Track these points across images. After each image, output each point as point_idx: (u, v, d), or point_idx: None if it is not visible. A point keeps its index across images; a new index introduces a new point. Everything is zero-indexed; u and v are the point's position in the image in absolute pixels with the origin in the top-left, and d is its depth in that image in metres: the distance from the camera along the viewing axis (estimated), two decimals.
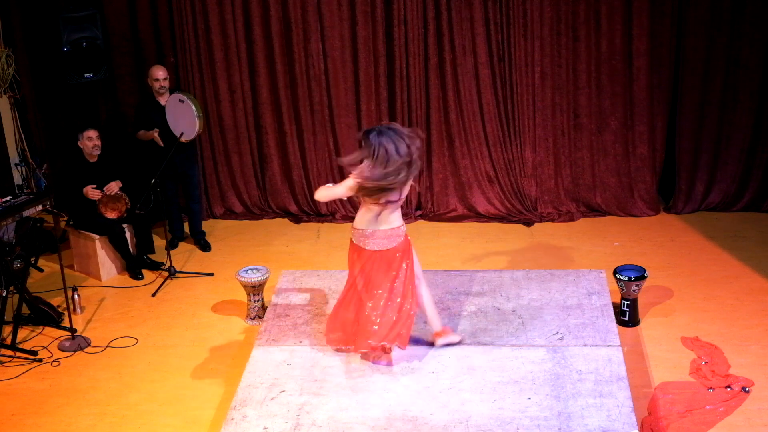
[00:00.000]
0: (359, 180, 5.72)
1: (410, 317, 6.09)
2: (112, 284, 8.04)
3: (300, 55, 8.74)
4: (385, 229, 5.94)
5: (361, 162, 5.77)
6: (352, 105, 8.85)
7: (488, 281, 7.25)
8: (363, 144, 5.73)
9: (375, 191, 5.76)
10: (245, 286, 7.13)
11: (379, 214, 5.90)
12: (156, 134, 8.15)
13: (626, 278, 6.78)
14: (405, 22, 8.54)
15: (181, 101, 8.04)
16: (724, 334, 6.70)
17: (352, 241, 6.08)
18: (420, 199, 9.06)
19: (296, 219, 9.19)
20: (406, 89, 8.72)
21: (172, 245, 8.44)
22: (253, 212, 9.29)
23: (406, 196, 6.14)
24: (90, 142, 7.94)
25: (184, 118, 8.07)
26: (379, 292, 6.02)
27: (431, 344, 6.36)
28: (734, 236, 8.31)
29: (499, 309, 6.83)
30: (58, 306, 7.41)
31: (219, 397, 6.24)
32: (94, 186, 7.96)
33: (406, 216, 8.86)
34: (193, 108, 7.99)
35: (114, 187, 8.03)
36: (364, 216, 5.96)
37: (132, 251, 8.16)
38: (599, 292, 7.00)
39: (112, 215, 8.03)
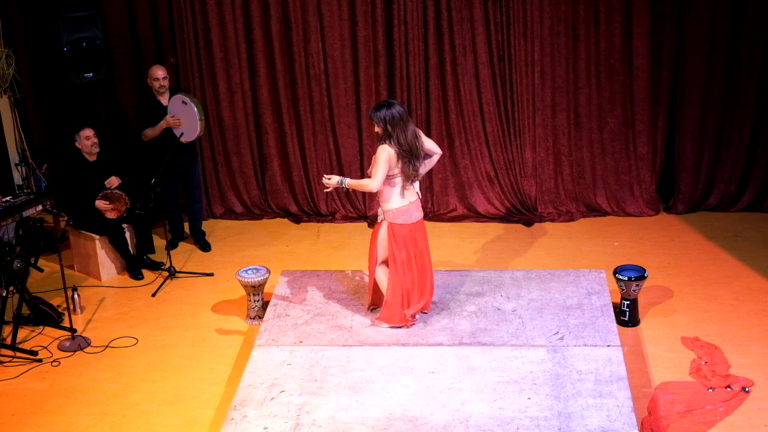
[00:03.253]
0: (396, 148, 6.26)
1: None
2: (112, 284, 8.04)
3: (300, 55, 8.74)
4: (418, 200, 6.59)
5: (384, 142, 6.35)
6: (352, 105, 8.85)
7: (488, 281, 7.26)
8: (377, 123, 6.34)
9: (409, 155, 6.30)
10: (245, 286, 7.13)
11: (404, 188, 6.45)
12: (169, 118, 8.12)
13: (626, 278, 6.78)
14: (405, 22, 8.54)
15: (185, 103, 8.04)
16: (724, 334, 6.70)
17: (398, 225, 6.46)
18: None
19: (296, 219, 9.19)
20: (406, 89, 8.72)
21: (172, 245, 8.44)
22: (253, 212, 9.29)
23: None
24: (88, 141, 7.94)
25: (186, 120, 8.07)
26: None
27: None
28: (734, 236, 8.31)
29: (499, 309, 6.84)
30: (58, 306, 7.41)
31: (219, 397, 6.25)
32: (105, 201, 7.99)
33: None
34: (196, 110, 7.99)
35: (114, 181, 8.03)
36: (395, 195, 6.44)
37: (132, 251, 8.16)
38: (599, 292, 7.00)
39: (112, 215, 8.04)
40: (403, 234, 6.50)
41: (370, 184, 6.41)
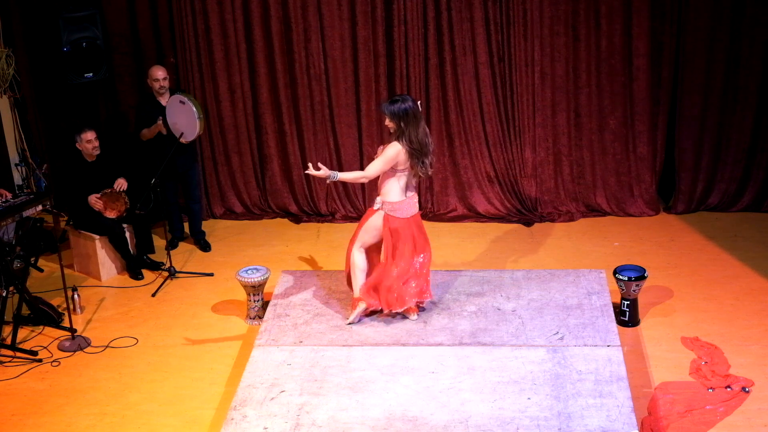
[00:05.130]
0: (407, 146, 6.26)
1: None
2: (112, 284, 8.03)
3: (300, 55, 8.74)
4: (415, 194, 6.61)
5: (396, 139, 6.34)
6: (353, 105, 8.85)
7: (488, 281, 7.26)
8: (390, 118, 6.29)
9: (419, 154, 6.29)
10: (245, 286, 7.13)
11: (407, 184, 6.47)
12: (160, 122, 8.13)
13: (626, 278, 6.78)
14: (405, 22, 8.54)
15: (182, 102, 8.04)
16: (724, 334, 6.70)
17: (393, 217, 6.44)
18: (420, 198, 9.05)
19: (296, 219, 9.19)
20: (406, 89, 8.71)
21: (172, 245, 8.44)
22: (253, 212, 9.29)
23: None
24: (89, 144, 7.94)
25: (184, 119, 8.06)
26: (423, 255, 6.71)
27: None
28: (734, 236, 8.31)
29: (499, 309, 6.84)
30: (58, 306, 7.41)
31: (219, 397, 6.25)
32: (98, 196, 7.97)
33: None
34: (194, 109, 7.99)
35: (123, 183, 8.03)
36: (396, 189, 6.42)
37: (132, 251, 8.16)
38: (599, 292, 7.00)
39: (112, 215, 8.03)
40: (399, 226, 6.48)
41: (361, 175, 6.48)
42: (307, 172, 6.53)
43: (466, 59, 8.60)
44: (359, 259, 6.66)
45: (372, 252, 6.75)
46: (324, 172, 6.41)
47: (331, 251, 8.46)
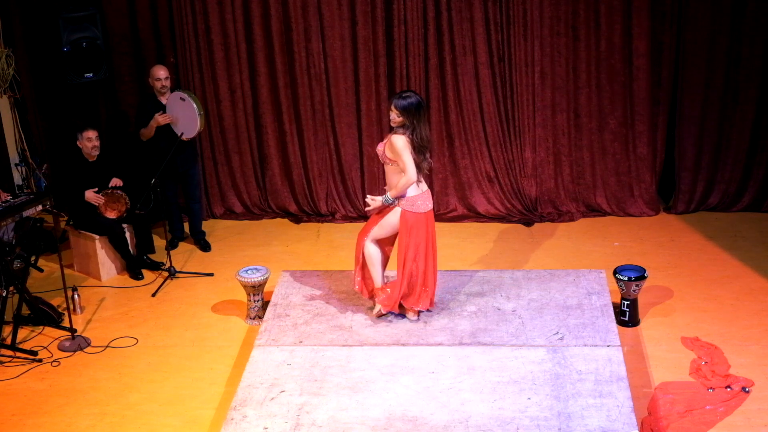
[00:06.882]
0: (416, 141, 6.27)
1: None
2: (112, 284, 8.04)
3: (300, 55, 8.74)
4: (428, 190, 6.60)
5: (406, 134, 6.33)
6: (353, 104, 8.85)
7: (488, 281, 7.26)
8: (401, 114, 6.25)
9: (423, 150, 6.33)
10: (245, 286, 7.13)
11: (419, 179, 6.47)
12: (158, 117, 8.10)
13: (626, 278, 6.78)
14: (405, 22, 8.54)
15: (182, 99, 8.04)
16: (724, 334, 6.70)
17: (411, 213, 6.42)
18: None
19: (296, 219, 9.19)
20: (406, 89, 8.71)
21: (172, 245, 8.44)
22: (253, 212, 9.29)
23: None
24: (89, 142, 7.94)
25: (185, 116, 8.06)
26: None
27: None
28: (734, 236, 8.31)
29: (499, 309, 6.84)
30: (58, 306, 7.41)
31: (219, 397, 6.25)
32: (95, 189, 7.95)
33: None
34: (195, 106, 7.99)
35: (117, 182, 8.03)
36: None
37: (132, 251, 8.16)
38: (599, 292, 7.00)
39: (112, 215, 8.03)
40: (416, 223, 6.46)
41: (408, 180, 6.34)
42: (366, 209, 6.60)
43: (466, 59, 8.60)
44: (374, 251, 6.65)
45: (381, 244, 6.73)
46: (379, 200, 6.46)
47: (331, 251, 8.47)
